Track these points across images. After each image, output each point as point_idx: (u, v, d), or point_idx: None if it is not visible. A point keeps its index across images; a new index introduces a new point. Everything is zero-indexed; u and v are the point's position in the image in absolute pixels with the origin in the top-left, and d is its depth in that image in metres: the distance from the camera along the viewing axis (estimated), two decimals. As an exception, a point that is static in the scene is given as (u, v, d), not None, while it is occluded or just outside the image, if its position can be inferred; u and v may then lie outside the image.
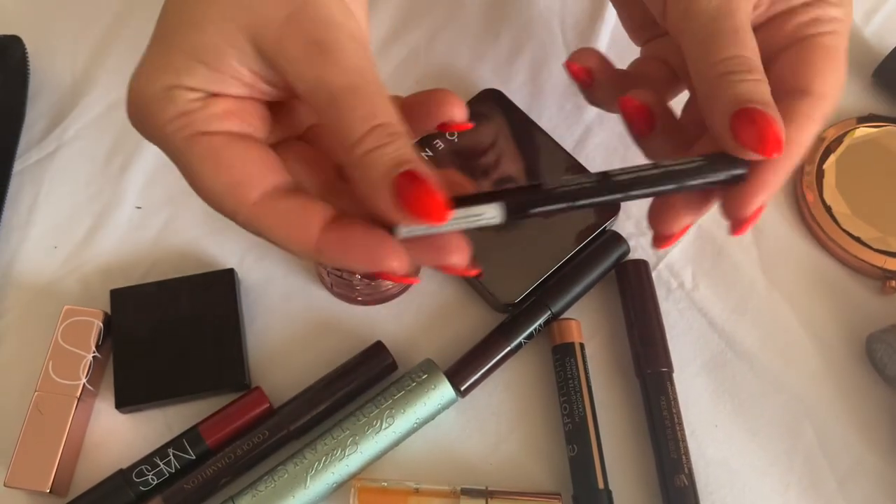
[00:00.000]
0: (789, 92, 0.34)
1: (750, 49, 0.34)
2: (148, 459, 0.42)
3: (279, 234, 0.31)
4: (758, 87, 0.33)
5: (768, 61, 0.35)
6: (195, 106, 0.31)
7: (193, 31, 0.31)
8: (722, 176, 0.33)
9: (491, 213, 0.31)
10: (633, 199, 0.33)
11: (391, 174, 0.29)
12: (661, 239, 0.37)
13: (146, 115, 0.31)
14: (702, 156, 0.33)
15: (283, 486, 0.41)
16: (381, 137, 0.30)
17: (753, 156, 0.32)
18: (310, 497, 0.41)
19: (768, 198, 0.34)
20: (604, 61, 0.42)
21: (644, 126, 0.37)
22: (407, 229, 0.31)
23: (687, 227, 0.36)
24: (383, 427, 0.42)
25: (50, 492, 0.41)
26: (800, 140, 0.34)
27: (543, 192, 0.32)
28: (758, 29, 0.35)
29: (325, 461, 0.41)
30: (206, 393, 0.45)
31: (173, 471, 0.42)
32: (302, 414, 0.43)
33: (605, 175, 0.32)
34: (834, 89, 0.35)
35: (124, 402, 0.44)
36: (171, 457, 0.42)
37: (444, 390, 0.43)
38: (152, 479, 0.42)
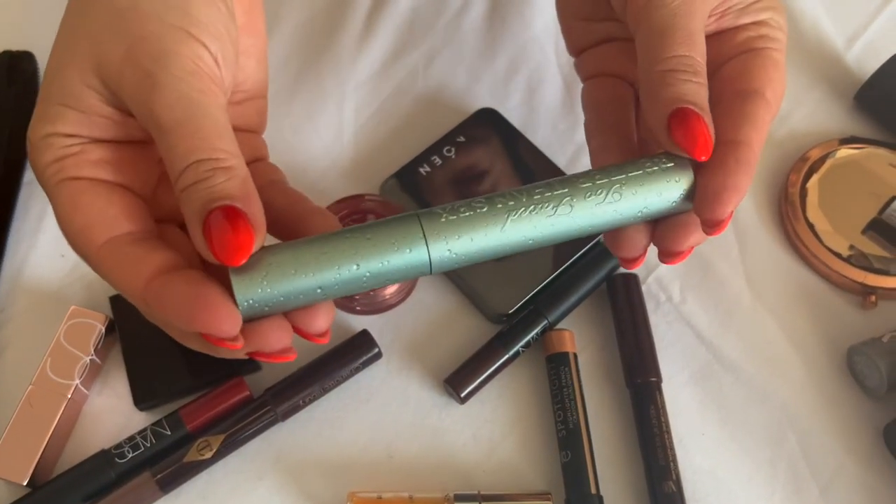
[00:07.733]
0: (741, 93, 0.36)
1: (699, 52, 0.35)
2: (130, 438, 0.44)
3: (111, 277, 0.32)
4: (699, 90, 0.34)
5: (714, 69, 0.36)
6: (70, 151, 0.32)
7: (59, 77, 0.32)
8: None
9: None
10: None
11: (203, 210, 0.29)
12: (669, 255, 0.37)
13: (32, 162, 0.32)
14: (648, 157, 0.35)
15: (478, 219, 0.34)
16: (200, 173, 0.29)
17: (684, 154, 0.34)
18: (498, 242, 0.34)
19: (738, 199, 0.34)
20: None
21: None
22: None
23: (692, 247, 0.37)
24: (606, 200, 0.34)
25: (27, 485, 0.42)
26: (760, 138, 0.35)
27: None
28: (706, 39, 0.36)
29: (531, 210, 0.34)
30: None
31: (149, 444, 0.44)
32: (286, 392, 0.45)
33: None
34: (780, 99, 0.37)
35: (143, 400, 0.45)
36: (149, 433, 0.44)
37: (686, 178, 0.35)
38: (128, 452, 0.43)
